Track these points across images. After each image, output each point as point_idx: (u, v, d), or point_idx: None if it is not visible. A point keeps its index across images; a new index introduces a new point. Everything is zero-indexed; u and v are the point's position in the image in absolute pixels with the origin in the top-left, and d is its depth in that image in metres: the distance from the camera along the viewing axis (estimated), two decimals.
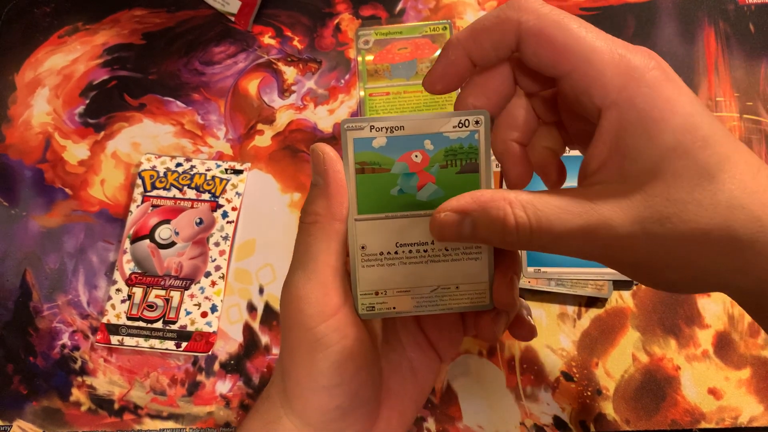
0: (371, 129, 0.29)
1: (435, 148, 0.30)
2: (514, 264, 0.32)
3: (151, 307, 0.47)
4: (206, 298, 0.48)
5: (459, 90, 0.30)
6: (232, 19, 0.56)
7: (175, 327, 0.47)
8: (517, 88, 0.30)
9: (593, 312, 0.47)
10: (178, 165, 0.51)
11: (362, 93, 0.53)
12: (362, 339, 0.31)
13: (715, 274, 0.25)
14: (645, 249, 0.25)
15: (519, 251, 0.34)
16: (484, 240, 0.28)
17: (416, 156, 0.30)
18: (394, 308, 0.32)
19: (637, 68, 0.25)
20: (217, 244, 0.49)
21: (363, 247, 0.31)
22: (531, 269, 0.46)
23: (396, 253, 0.31)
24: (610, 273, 0.46)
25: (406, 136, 0.30)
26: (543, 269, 0.46)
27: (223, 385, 0.47)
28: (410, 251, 0.31)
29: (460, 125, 0.29)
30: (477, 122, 0.29)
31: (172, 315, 0.47)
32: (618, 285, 0.47)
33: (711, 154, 0.24)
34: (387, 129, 0.29)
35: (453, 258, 0.31)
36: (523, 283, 0.46)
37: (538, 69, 0.27)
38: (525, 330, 0.34)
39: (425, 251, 0.31)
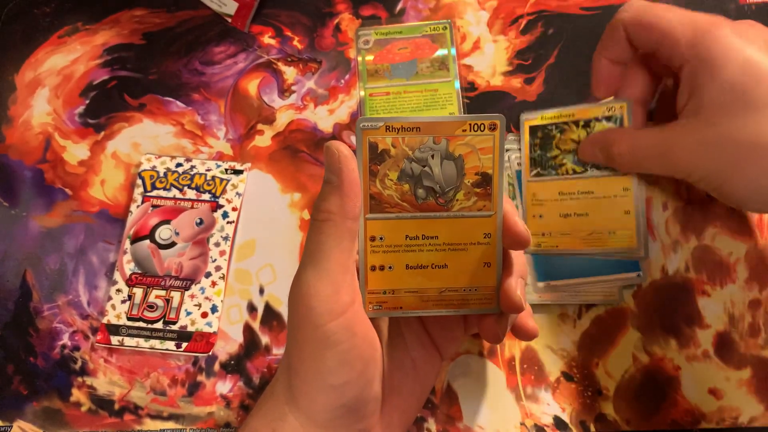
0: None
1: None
2: (521, 268, 0.32)
3: (152, 307, 0.47)
4: (206, 298, 0.48)
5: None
6: (229, 20, 0.56)
7: (175, 327, 0.47)
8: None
9: (593, 312, 0.47)
10: (178, 165, 0.51)
11: (362, 93, 0.53)
12: (370, 338, 0.31)
13: (761, 194, 0.34)
14: (707, 163, 0.34)
15: (525, 259, 0.38)
16: (603, 160, 0.41)
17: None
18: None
19: (704, 29, 0.33)
20: (217, 245, 0.49)
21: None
22: (541, 284, 0.46)
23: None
24: (619, 278, 0.46)
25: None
26: (553, 283, 0.46)
27: (224, 386, 0.47)
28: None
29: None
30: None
31: (172, 315, 0.47)
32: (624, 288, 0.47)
33: (765, 91, 0.32)
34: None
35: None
36: (535, 299, 0.46)
37: (642, 49, 0.38)
38: (527, 330, 0.34)
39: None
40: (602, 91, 0.41)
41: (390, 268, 0.31)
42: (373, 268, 0.31)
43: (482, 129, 0.29)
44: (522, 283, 0.32)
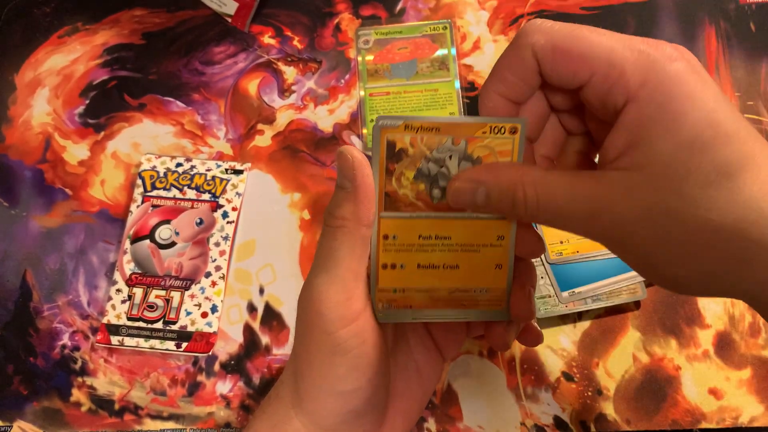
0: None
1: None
2: (531, 276, 0.32)
3: (152, 307, 0.47)
4: (206, 298, 0.48)
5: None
6: (229, 20, 0.56)
7: (175, 327, 0.47)
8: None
9: (594, 312, 0.47)
10: (178, 165, 0.51)
11: (362, 93, 0.53)
12: (379, 344, 0.31)
13: (722, 276, 0.25)
14: (649, 239, 0.25)
15: (534, 264, 0.35)
16: (495, 209, 0.29)
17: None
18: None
19: (658, 62, 0.25)
20: (217, 245, 0.49)
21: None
22: (565, 294, 0.46)
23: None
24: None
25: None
26: (577, 290, 0.45)
27: (224, 386, 0.47)
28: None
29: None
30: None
31: (172, 315, 0.47)
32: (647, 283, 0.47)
33: (732, 151, 0.24)
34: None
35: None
36: (561, 309, 0.46)
37: (561, 84, 0.27)
38: (532, 336, 0.34)
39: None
40: None
41: (402, 266, 0.31)
42: (385, 266, 0.31)
43: (503, 132, 0.29)
44: (532, 291, 0.32)
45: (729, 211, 0.23)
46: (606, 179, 0.26)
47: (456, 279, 0.31)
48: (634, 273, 0.45)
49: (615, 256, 0.39)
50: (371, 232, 0.30)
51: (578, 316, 0.47)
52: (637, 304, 0.47)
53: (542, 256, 0.46)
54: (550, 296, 0.46)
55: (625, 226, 0.25)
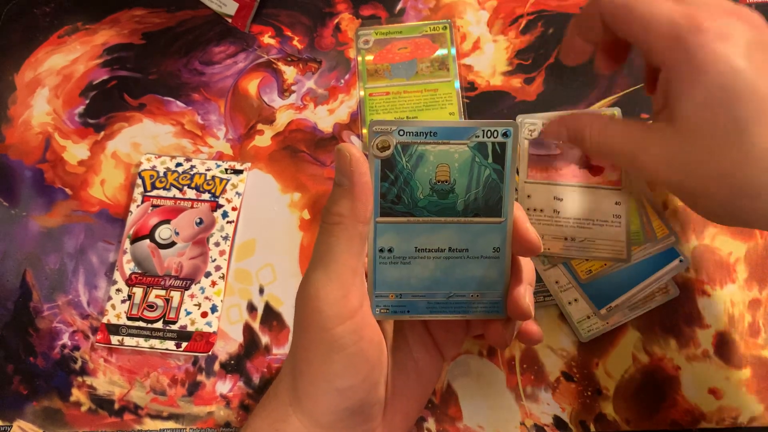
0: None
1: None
2: (530, 275, 0.32)
3: (152, 307, 0.47)
4: (206, 298, 0.48)
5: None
6: (229, 20, 0.56)
7: (175, 327, 0.47)
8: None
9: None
10: (178, 165, 0.51)
11: (362, 93, 0.53)
12: (377, 341, 0.31)
13: (736, 212, 0.31)
14: (676, 178, 0.32)
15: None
16: (572, 142, 0.38)
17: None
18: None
19: (683, 32, 0.30)
20: (217, 244, 0.49)
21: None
22: (603, 311, 0.45)
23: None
24: (667, 272, 0.45)
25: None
26: (613, 304, 0.45)
27: (224, 385, 0.47)
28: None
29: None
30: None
31: (172, 315, 0.47)
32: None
33: (746, 109, 0.29)
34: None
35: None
36: (604, 327, 0.45)
37: (621, 37, 0.34)
38: (532, 334, 0.34)
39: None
40: (571, 61, 0.39)
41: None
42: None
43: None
44: (530, 290, 0.32)
45: (742, 161, 0.29)
46: (648, 128, 0.33)
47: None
48: (662, 272, 0.45)
49: (639, 261, 0.45)
50: (368, 229, 0.30)
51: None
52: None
53: (573, 278, 0.46)
54: (589, 317, 0.46)
55: (657, 167, 0.32)
